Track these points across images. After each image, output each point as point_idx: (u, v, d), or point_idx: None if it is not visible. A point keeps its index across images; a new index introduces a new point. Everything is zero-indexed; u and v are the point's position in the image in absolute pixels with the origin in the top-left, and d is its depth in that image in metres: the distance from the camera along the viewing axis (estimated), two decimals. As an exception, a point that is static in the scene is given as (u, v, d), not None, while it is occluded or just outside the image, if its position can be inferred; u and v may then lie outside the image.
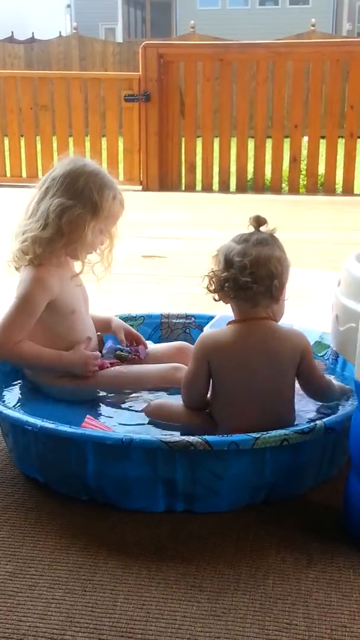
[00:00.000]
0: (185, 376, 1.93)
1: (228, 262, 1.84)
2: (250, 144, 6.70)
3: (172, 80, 6.71)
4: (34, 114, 7.10)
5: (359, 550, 1.59)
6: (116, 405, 2.08)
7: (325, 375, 2.02)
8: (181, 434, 1.82)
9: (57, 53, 14.00)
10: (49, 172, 2.12)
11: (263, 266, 1.81)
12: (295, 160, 6.62)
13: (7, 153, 7.21)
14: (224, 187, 6.80)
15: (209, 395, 1.91)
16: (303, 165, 6.78)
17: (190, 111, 6.73)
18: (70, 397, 2.07)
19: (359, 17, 27.18)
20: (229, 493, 1.73)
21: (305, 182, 6.74)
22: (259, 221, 1.88)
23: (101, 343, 2.25)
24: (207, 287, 1.89)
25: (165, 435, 1.83)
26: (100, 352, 2.20)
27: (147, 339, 2.37)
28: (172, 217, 5.64)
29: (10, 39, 17.40)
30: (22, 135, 7.13)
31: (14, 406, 2.00)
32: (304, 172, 6.78)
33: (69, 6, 28.13)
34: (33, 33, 19.88)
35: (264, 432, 1.68)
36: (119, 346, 2.27)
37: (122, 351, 2.24)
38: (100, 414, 2.02)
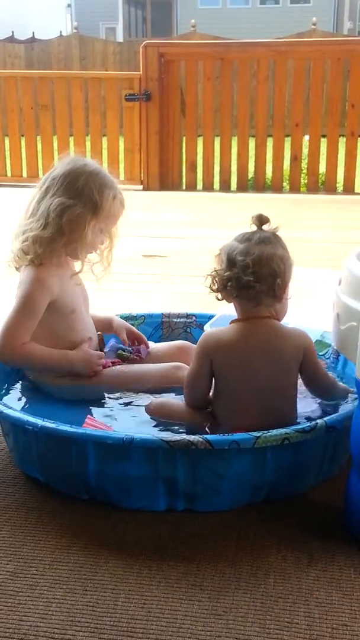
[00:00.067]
0: (188, 375, 1.93)
1: (230, 261, 1.84)
2: (251, 143, 6.69)
3: (173, 80, 6.71)
4: (35, 113, 7.10)
5: (360, 549, 1.60)
6: (117, 404, 2.08)
7: (328, 373, 2.02)
8: (183, 433, 1.82)
9: (57, 53, 14.00)
10: (49, 172, 2.13)
11: (265, 265, 1.81)
12: (296, 159, 6.61)
13: (7, 153, 7.22)
14: (225, 186, 6.80)
15: (211, 394, 1.91)
16: (304, 164, 6.78)
17: (191, 110, 6.73)
18: (71, 396, 2.07)
19: None
20: (229, 492, 1.73)
21: (306, 181, 6.74)
22: (261, 220, 1.88)
23: (101, 342, 2.25)
24: (210, 287, 1.89)
25: (166, 434, 1.83)
26: (101, 351, 2.20)
27: (148, 339, 2.37)
28: (173, 216, 5.64)
29: (11, 39, 17.40)
30: (22, 135, 7.13)
31: (14, 406, 2.00)
32: (304, 171, 6.78)
33: (69, 6, 28.13)
34: (33, 33, 19.89)
35: (265, 431, 1.68)
36: (120, 346, 2.27)
37: (124, 351, 2.24)
38: (101, 414, 2.02)
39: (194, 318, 2.55)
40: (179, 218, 5.56)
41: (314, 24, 11.82)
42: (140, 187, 6.71)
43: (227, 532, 1.66)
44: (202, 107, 6.78)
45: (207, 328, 2.32)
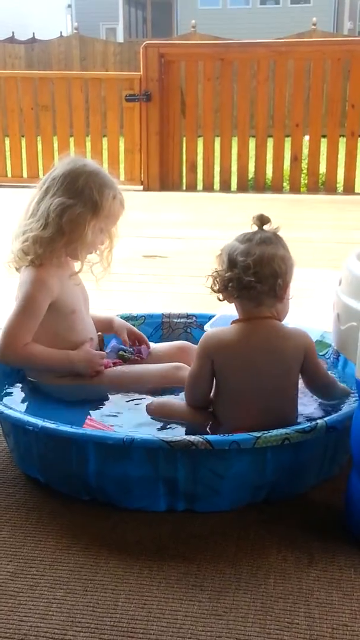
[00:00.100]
0: (189, 375, 1.93)
1: (231, 262, 1.84)
2: (252, 143, 6.69)
3: (173, 80, 6.71)
4: (35, 114, 7.10)
5: (361, 549, 1.59)
6: (118, 404, 2.08)
7: (329, 373, 2.02)
8: (183, 433, 1.82)
9: (57, 53, 14.00)
10: (49, 172, 2.13)
11: (267, 265, 1.81)
12: (296, 159, 6.61)
13: (8, 153, 7.22)
14: (225, 187, 6.79)
15: (211, 394, 1.91)
16: (304, 164, 6.78)
17: (191, 111, 6.73)
18: (72, 396, 2.07)
19: (360, 16, 27.16)
20: (230, 492, 1.72)
21: (306, 181, 6.74)
22: (262, 220, 1.88)
23: (102, 343, 2.25)
24: (211, 287, 1.89)
25: (166, 434, 1.83)
26: (102, 351, 2.20)
27: (149, 339, 2.37)
28: (173, 216, 5.64)
29: (11, 39, 17.40)
30: (22, 136, 7.13)
31: (15, 406, 1.99)
32: (305, 171, 6.78)
33: (69, 6, 28.13)
34: (34, 33, 19.87)
35: (265, 432, 1.67)
36: (121, 346, 2.27)
37: (124, 351, 2.25)
38: (102, 414, 2.02)
39: (194, 318, 2.55)
40: (179, 218, 5.56)
41: (314, 24, 11.83)
42: (141, 187, 6.71)
43: (227, 532, 1.66)
44: (203, 107, 6.77)
45: (207, 328, 2.33)
